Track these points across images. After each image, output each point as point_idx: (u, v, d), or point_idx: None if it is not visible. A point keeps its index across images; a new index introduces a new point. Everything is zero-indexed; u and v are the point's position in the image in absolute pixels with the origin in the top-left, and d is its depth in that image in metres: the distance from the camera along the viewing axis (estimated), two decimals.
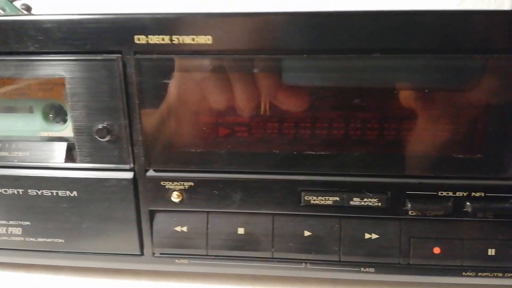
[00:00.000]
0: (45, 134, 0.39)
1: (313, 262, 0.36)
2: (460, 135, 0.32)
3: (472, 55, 0.30)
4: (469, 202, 0.33)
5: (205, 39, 0.31)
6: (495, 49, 0.30)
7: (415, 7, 0.30)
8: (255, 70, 0.31)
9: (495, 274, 0.36)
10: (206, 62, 0.32)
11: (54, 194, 0.36)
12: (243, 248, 0.36)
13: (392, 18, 0.30)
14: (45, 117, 0.39)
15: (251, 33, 0.31)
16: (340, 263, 0.36)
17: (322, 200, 0.34)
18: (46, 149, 0.37)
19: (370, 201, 0.34)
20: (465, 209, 0.34)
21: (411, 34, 0.30)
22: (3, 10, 0.57)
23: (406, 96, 0.32)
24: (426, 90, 0.31)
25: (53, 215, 0.37)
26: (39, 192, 0.36)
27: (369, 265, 0.36)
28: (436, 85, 0.31)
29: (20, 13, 0.57)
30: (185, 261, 0.38)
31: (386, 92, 0.32)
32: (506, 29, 0.29)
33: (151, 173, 0.35)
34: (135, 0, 0.61)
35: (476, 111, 0.32)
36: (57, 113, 0.39)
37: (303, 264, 0.37)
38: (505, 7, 0.51)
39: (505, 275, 0.36)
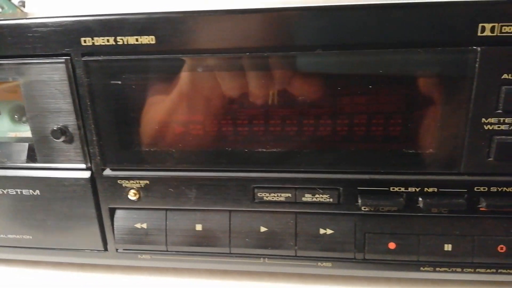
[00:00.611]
0: (13, 134, 0.40)
1: (270, 257, 0.37)
2: (411, 131, 0.32)
3: (418, 49, 0.29)
4: (421, 197, 0.33)
5: (148, 39, 0.31)
6: (440, 42, 0.29)
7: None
8: (199, 69, 0.31)
9: (454, 269, 0.35)
10: (151, 62, 0.32)
11: (19, 193, 0.37)
12: (202, 244, 0.37)
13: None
14: (12, 118, 0.40)
15: (193, 32, 0.30)
16: (296, 257, 0.36)
17: (274, 196, 0.35)
18: (10, 149, 0.38)
19: (322, 197, 0.34)
20: (418, 205, 0.33)
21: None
22: (2, 8, 0.58)
23: (356, 93, 0.31)
24: (379, 86, 0.31)
25: (19, 213, 0.38)
26: (5, 191, 0.38)
27: (326, 259, 0.36)
28: (389, 81, 0.31)
29: (18, 10, 0.59)
30: (148, 256, 0.38)
31: (336, 89, 0.32)
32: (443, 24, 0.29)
33: (108, 172, 0.36)
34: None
35: (427, 106, 0.31)
36: (23, 114, 0.40)
37: (261, 259, 0.37)
38: None
39: (464, 270, 0.35)
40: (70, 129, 0.34)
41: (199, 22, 0.30)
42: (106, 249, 0.39)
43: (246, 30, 0.30)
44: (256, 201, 0.35)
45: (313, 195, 0.34)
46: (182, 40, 0.31)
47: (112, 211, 0.38)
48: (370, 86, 0.30)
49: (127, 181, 0.36)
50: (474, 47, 0.29)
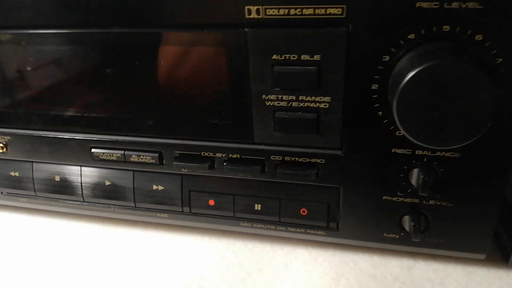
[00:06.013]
0: None
1: (117, 206, 0.43)
2: (212, 104, 0.34)
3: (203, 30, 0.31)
4: (226, 163, 0.37)
5: None
6: (219, 25, 0.31)
7: None
8: (23, 43, 0.35)
9: (268, 226, 0.39)
10: None
11: None
12: (61, 192, 0.43)
13: None
14: None
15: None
16: (136, 208, 0.42)
17: (108, 155, 0.39)
18: None
19: (146, 158, 0.38)
20: (224, 169, 0.37)
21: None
22: None
23: (163, 69, 0.34)
24: (181, 64, 0.34)
25: None
26: None
27: (161, 211, 0.41)
28: (187, 58, 0.34)
29: None
30: (24, 199, 0.45)
31: (148, 64, 0.35)
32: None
33: None
34: None
35: (220, 83, 0.33)
36: None
37: (111, 207, 0.43)
38: None
39: (277, 228, 0.39)
40: None
41: None
42: None
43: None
44: (94, 159, 0.40)
45: (139, 156, 0.39)
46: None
47: None
48: (172, 63, 0.33)
49: None
50: (244, 29, 0.30)
